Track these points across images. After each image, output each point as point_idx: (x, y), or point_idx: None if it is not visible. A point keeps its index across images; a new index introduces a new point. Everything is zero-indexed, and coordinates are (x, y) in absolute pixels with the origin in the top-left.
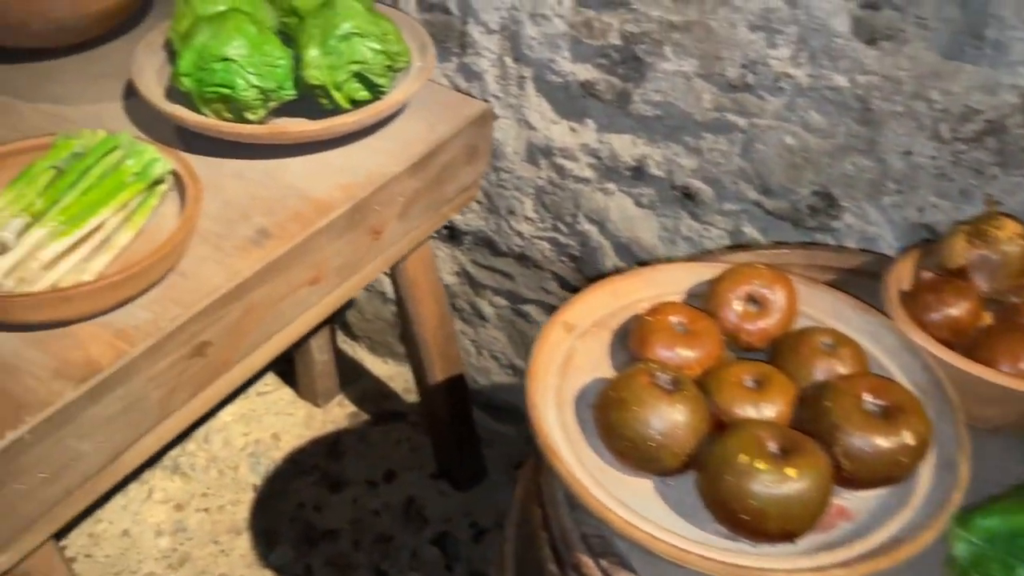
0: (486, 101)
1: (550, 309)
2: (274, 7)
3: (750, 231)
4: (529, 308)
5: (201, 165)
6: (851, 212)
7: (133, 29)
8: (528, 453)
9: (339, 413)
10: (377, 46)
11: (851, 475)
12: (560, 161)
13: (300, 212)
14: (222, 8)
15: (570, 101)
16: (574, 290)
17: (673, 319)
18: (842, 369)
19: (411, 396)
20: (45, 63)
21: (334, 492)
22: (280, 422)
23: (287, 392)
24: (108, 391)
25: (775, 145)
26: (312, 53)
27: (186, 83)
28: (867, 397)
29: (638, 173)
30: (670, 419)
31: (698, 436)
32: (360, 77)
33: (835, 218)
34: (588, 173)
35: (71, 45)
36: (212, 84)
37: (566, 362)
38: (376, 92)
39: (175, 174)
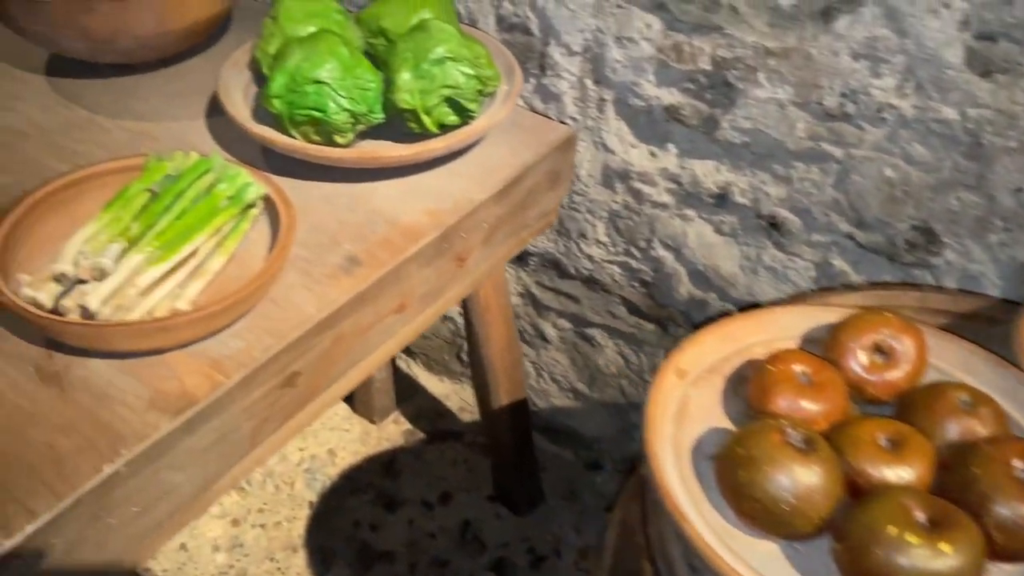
0: (564, 123)
1: (616, 333)
2: (362, 28)
3: (839, 264)
4: (594, 332)
5: (286, 187)
6: (952, 249)
7: (212, 47)
8: (620, 490)
9: (394, 430)
10: (470, 71)
11: (1002, 549)
12: (637, 185)
13: (389, 239)
14: (312, 29)
15: (652, 125)
16: (643, 316)
17: (797, 368)
18: (982, 430)
19: (466, 415)
20: (128, 79)
21: (390, 511)
22: (336, 438)
23: (343, 408)
24: (203, 423)
25: (873, 177)
26: (404, 77)
27: (277, 105)
28: (1017, 463)
29: (721, 200)
30: (805, 481)
31: (833, 500)
32: (451, 101)
33: (935, 254)
34: (666, 198)
35: (153, 61)
36: (303, 107)
37: (680, 410)
38: (465, 116)
39: (266, 198)
